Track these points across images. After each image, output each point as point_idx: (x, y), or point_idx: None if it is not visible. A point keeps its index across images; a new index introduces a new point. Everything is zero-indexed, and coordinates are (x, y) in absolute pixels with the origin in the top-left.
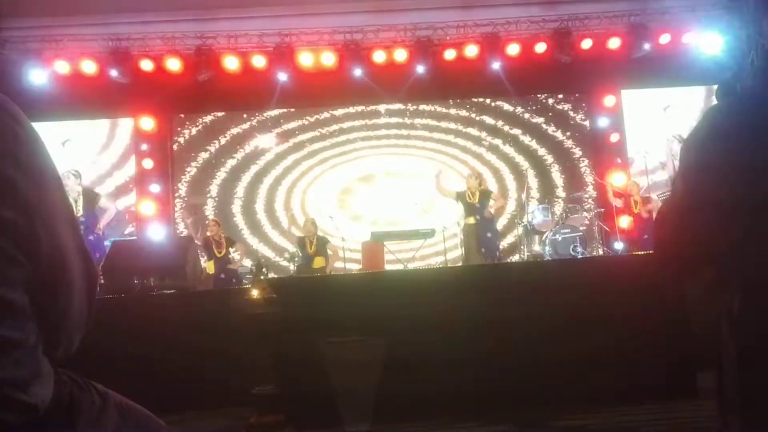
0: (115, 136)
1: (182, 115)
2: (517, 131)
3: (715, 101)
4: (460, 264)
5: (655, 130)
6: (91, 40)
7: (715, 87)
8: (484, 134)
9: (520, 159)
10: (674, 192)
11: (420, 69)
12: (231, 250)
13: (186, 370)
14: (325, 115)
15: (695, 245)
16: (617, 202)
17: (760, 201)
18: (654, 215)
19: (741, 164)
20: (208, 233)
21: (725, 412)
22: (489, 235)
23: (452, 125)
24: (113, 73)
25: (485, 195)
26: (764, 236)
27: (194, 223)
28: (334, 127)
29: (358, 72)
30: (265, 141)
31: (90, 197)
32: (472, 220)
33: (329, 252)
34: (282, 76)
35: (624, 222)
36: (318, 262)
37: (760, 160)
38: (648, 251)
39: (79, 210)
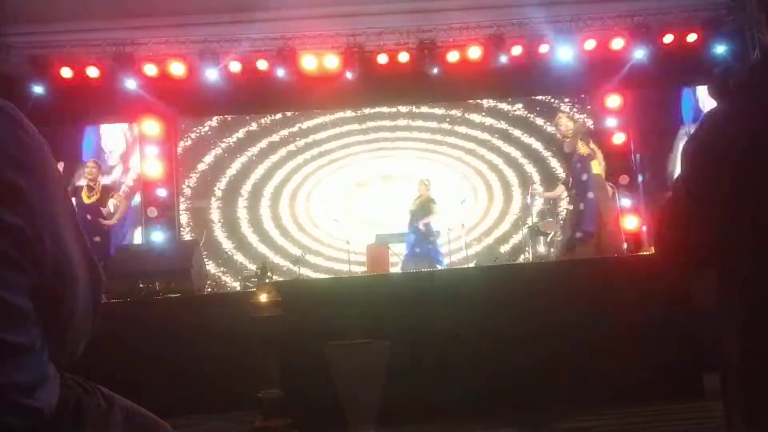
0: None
1: (186, 119)
2: (520, 132)
3: (710, 98)
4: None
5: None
6: (95, 45)
7: (707, 86)
8: (487, 136)
9: (524, 161)
10: (676, 193)
11: (423, 71)
12: (111, 202)
13: (191, 374)
14: (329, 118)
15: (699, 246)
16: (567, 147)
17: (763, 200)
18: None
19: (743, 163)
20: (85, 176)
21: (730, 413)
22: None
23: (455, 127)
24: (117, 77)
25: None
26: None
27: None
28: (338, 129)
29: (361, 75)
30: (269, 144)
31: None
32: None
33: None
34: (285, 80)
35: (630, 223)
36: None
37: (762, 158)
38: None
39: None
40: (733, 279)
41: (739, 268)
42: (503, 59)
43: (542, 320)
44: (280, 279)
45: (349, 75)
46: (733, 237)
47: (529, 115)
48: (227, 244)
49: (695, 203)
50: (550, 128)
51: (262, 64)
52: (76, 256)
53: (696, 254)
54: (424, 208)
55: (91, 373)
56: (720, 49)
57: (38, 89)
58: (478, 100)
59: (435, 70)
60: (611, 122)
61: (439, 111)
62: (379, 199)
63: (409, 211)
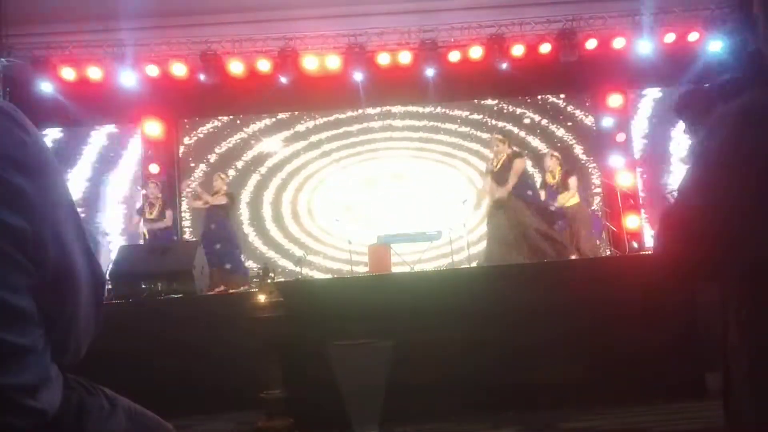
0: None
1: (188, 120)
2: (522, 132)
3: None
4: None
5: (661, 129)
6: (97, 46)
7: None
8: (490, 136)
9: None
10: (683, 196)
11: (425, 71)
12: (167, 213)
13: (193, 374)
14: (330, 118)
15: (706, 250)
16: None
17: None
18: (573, 189)
19: (756, 170)
20: (147, 192)
21: (732, 415)
22: None
23: (457, 127)
24: (119, 78)
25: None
26: None
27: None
28: (339, 130)
29: (362, 75)
30: (270, 145)
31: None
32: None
33: None
34: (286, 80)
35: (632, 222)
36: None
37: None
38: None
39: None
40: (744, 284)
41: (750, 273)
42: (505, 59)
43: (543, 319)
44: (282, 279)
45: (352, 75)
46: (746, 241)
47: (530, 114)
48: None
49: (707, 208)
50: (551, 128)
51: (263, 65)
52: (78, 258)
53: (702, 266)
54: (222, 205)
55: (94, 374)
56: (719, 47)
57: (40, 91)
58: (479, 101)
59: (436, 70)
60: (612, 121)
61: (440, 111)
62: (380, 199)
63: (206, 208)
